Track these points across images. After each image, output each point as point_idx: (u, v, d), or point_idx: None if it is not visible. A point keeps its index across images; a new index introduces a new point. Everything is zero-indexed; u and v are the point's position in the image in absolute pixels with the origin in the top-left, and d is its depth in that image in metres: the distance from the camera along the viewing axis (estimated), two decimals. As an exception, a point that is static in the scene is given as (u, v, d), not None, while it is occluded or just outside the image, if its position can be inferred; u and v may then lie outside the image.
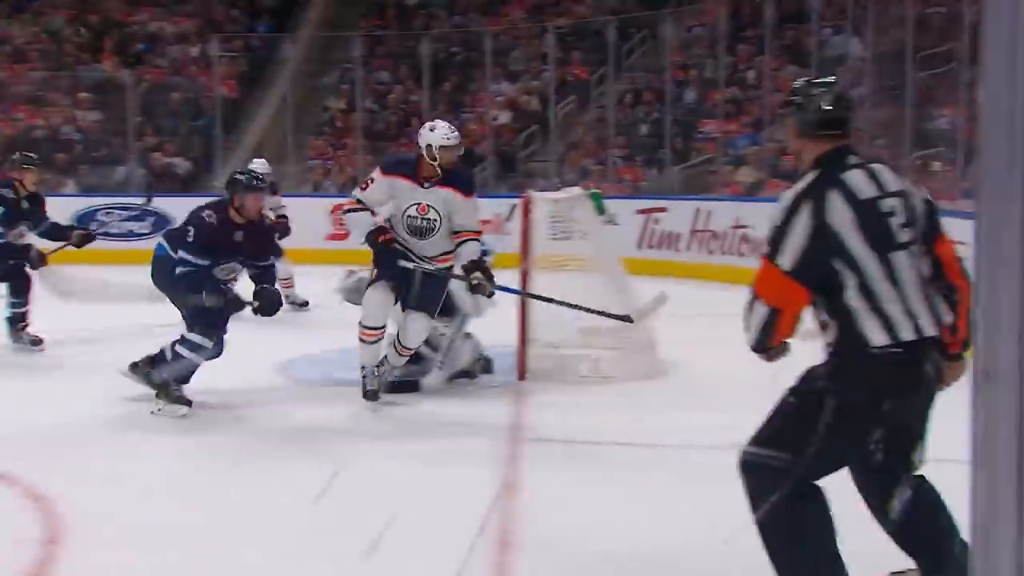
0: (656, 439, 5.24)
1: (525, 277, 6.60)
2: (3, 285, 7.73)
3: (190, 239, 5.66)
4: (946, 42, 11.19)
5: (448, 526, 4.03)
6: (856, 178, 2.88)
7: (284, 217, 9.23)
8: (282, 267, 8.55)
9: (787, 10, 14.23)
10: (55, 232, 7.82)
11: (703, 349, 7.11)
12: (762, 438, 2.94)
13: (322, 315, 8.92)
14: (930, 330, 2.86)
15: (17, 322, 7.65)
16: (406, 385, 6.26)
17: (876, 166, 2.96)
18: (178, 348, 5.68)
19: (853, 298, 2.81)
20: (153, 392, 5.77)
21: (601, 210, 7.04)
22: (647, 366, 6.74)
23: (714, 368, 6.68)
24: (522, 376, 6.63)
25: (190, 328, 5.73)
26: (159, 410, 5.70)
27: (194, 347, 5.67)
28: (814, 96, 2.99)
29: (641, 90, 15.59)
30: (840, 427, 2.83)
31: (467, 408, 6.11)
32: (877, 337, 2.80)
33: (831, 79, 3.14)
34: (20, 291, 7.62)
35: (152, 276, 6.35)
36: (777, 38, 13.94)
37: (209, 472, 4.93)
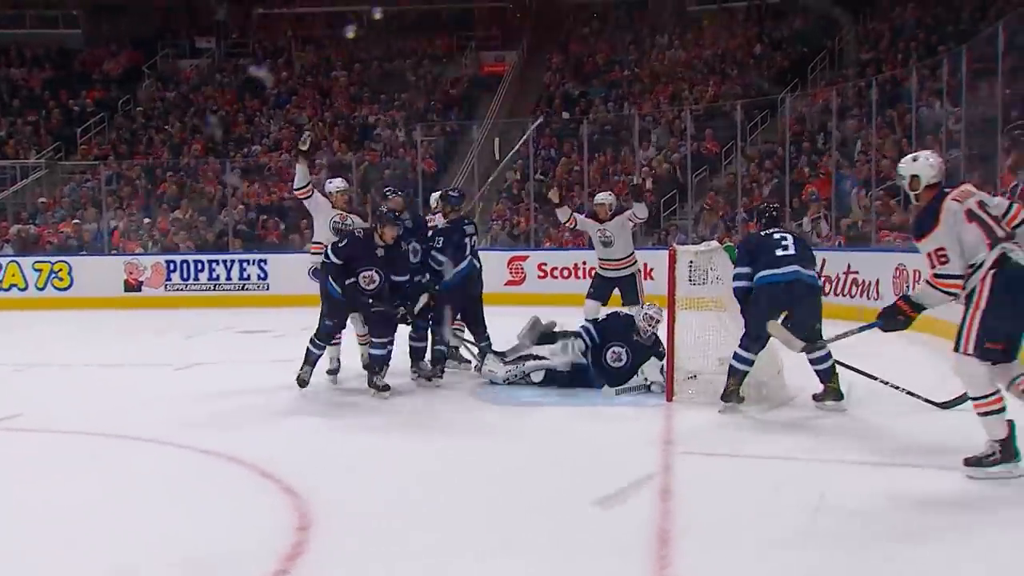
0: (788, 454, 5.02)
1: (671, 315, 6.48)
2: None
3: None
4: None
5: (613, 524, 3.94)
6: None
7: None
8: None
9: (888, 92, 13.82)
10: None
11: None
12: None
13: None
14: None
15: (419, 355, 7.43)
16: None
17: None
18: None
19: None
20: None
21: (735, 260, 6.83)
22: (777, 392, 6.48)
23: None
24: (670, 398, 6.49)
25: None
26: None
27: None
28: None
29: (762, 159, 15.30)
30: None
31: (626, 423, 6.01)
32: None
33: None
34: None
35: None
36: (880, 115, 13.42)
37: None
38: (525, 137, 6.73)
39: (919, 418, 5.74)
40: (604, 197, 8.61)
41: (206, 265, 15.29)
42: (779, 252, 6.09)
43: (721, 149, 16.10)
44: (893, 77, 14.19)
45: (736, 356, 6.13)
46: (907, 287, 10.38)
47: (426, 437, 5.70)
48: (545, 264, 14.41)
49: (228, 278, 15.27)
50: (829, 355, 6.07)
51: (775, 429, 5.73)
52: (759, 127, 16.36)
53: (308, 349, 6.85)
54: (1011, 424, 4.48)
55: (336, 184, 7.73)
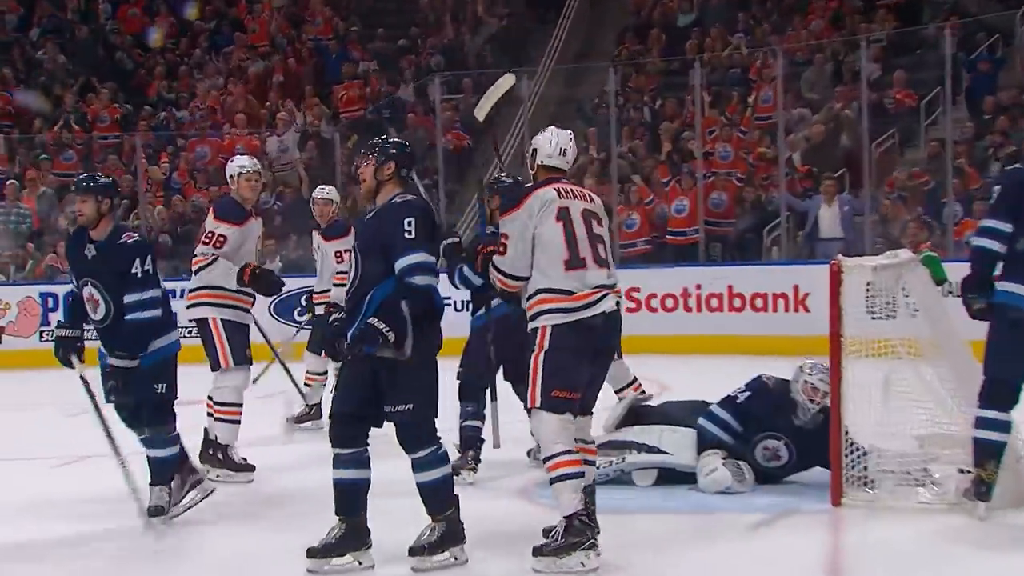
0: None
1: (836, 368, 6.43)
2: None
3: None
4: None
5: None
6: None
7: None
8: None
9: None
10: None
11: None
12: None
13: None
14: None
15: None
16: None
17: None
18: None
19: None
20: None
21: (941, 278, 6.76)
22: (1017, 489, 6.36)
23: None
24: (837, 501, 6.43)
25: None
26: None
27: None
28: None
29: (991, 115, 15.11)
30: None
31: (768, 541, 5.99)
32: None
33: None
34: None
35: None
36: None
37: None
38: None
39: None
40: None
41: (106, 300, 15.44)
42: None
43: (920, 101, 15.89)
44: None
45: (981, 422, 6.09)
46: None
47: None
48: (640, 289, 14.39)
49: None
50: None
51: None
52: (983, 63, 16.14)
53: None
54: (588, 494, 5.43)
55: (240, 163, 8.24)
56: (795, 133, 16.11)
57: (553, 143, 5.74)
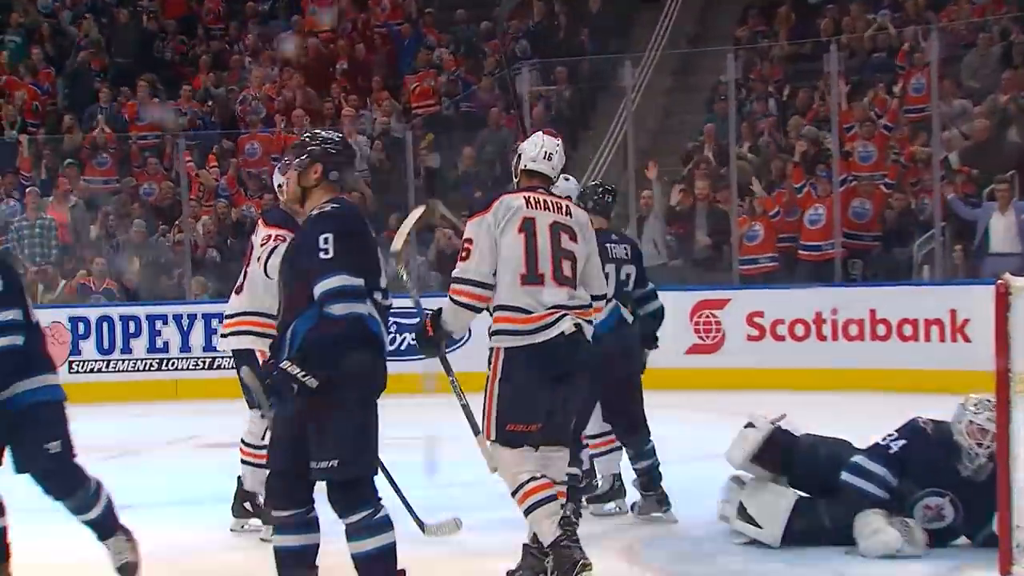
0: None
1: (1005, 406, 6.28)
2: None
3: None
4: None
5: None
6: None
7: None
8: None
9: None
10: None
11: None
12: None
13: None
14: None
15: None
16: None
17: None
18: None
19: None
20: None
21: None
22: None
23: None
24: (1006, 568, 6.24)
25: None
26: None
27: None
28: None
29: None
30: None
31: None
32: None
33: None
34: None
35: None
36: None
37: None
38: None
39: None
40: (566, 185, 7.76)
41: (144, 325, 15.61)
42: None
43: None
44: None
45: None
46: None
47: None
48: (764, 314, 14.43)
49: (184, 347, 15.60)
50: None
51: None
52: None
53: None
54: (566, 524, 5.79)
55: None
56: (953, 129, 15.95)
57: (538, 146, 6.29)
